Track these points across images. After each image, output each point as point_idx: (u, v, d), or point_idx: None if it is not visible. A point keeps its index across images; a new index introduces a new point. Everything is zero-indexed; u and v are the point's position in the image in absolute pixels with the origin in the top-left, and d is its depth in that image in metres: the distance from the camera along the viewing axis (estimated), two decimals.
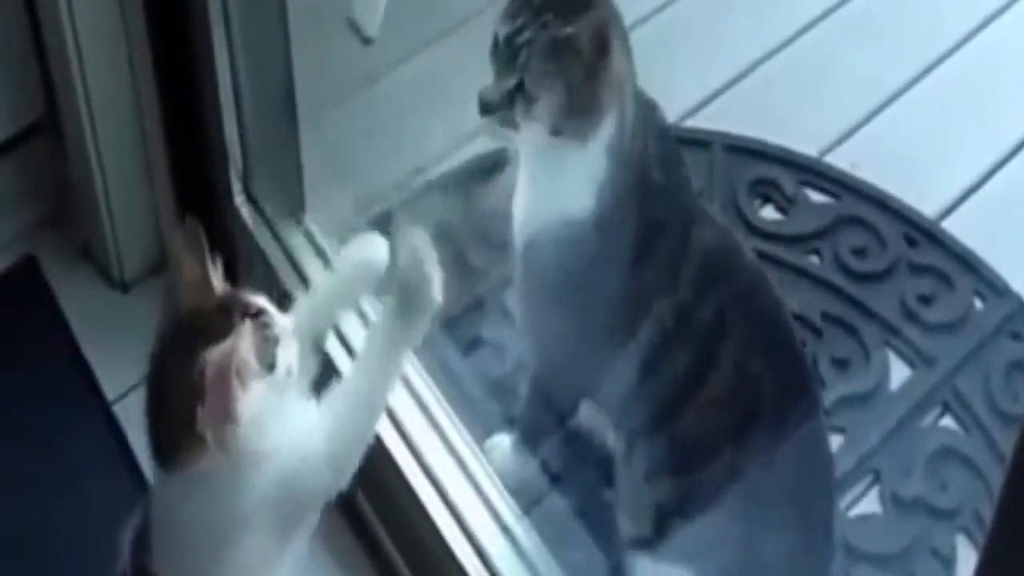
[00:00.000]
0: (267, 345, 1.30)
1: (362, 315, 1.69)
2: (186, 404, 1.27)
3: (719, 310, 1.57)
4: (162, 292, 1.98)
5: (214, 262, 1.35)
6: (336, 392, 1.38)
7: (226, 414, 1.27)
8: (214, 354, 1.26)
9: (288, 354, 1.32)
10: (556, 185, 1.53)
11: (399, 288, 1.37)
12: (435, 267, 1.35)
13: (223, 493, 1.34)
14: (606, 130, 1.49)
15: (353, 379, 1.39)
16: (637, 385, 1.59)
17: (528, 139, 1.49)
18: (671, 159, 1.57)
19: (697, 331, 1.56)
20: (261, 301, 1.33)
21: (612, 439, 1.69)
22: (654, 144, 1.54)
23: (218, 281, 1.35)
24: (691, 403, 1.57)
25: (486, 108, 1.47)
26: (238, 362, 1.26)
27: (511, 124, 1.46)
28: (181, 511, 1.36)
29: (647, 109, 1.56)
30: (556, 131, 1.47)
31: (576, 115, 1.47)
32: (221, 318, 1.30)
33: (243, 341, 1.27)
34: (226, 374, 1.26)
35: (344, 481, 1.38)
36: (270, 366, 1.30)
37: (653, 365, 1.58)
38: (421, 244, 1.35)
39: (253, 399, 1.28)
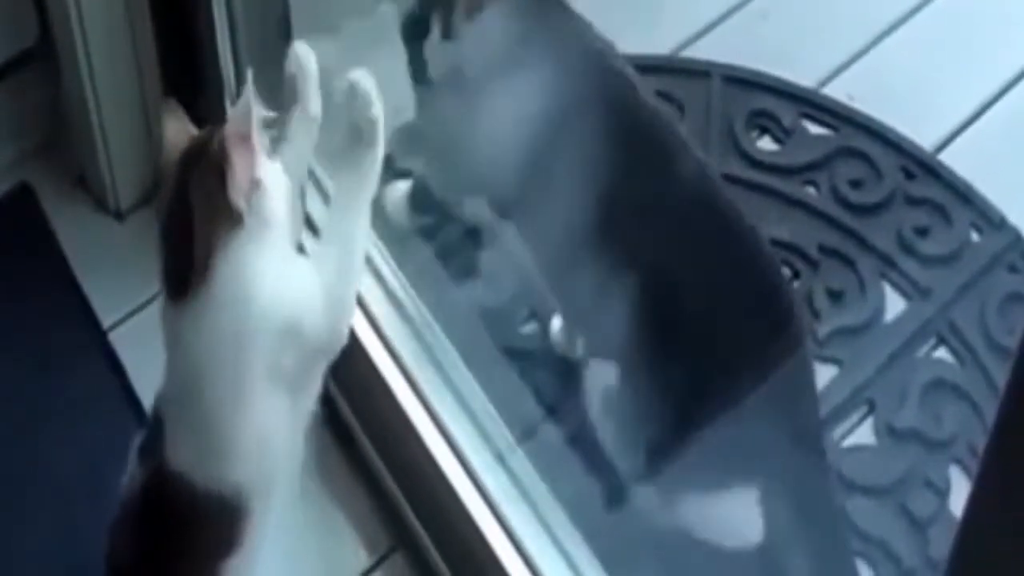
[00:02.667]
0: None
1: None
2: (208, 190, 1.34)
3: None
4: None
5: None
6: (319, 250, 1.44)
7: (252, 179, 1.34)
8: (230, 123, 1.33)
9: (278, 196, 1.38)
10: None
11: (348, 128, 1.43)
12: (372, 94, 1.42)
13: (233, 319, 1.37)
14: None
15: (330, 234, 1.45)
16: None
17: None
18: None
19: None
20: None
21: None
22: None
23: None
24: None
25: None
26: (253, 124, 1.33)
27: None
28: (194, 346, 1.39)
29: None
30: None
31: None
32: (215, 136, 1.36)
33: (249, 104, 1.33)
34: (246, 135, 1.33)
35: (343, 332, 1.43)
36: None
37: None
38: (361, 79, 1.42)
39: (269, 168, 1.36)
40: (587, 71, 1.63)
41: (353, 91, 1.42)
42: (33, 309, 1.92)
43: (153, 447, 1.44)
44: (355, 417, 1.77)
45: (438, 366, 1.66)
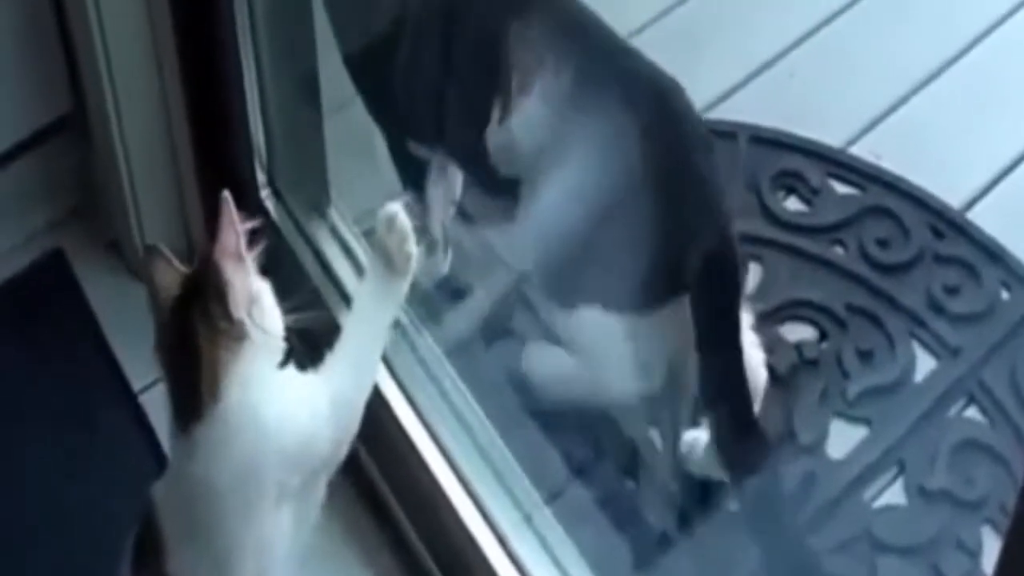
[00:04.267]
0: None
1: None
2: (208, 313, 1.36)
3: None
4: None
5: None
6: (332, 360, 1.45)
7: (250, 293, 1.37)
8: (220, 243, 1.37)
9: (271, 309, 1.41)
10: None
11: (378, 251, 1.46)
12: (411, 234, 1.45)
13: (245, 440, 1.38)
14: None
15: (344, 348, 1.46)
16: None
17: None
18: None
19: None
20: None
21: None
22: None
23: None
24: None
25: None
26: (240, 241, 1.37)
27: None
28: (198, 470, 1.40)
29: None
30: None
31: None
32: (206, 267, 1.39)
33: (235, 223, 1.38)
34: (237, 253, 1.37)
35: (346, 446, 1.44)
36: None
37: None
38: (396, 210, 1.45)
39: (260, 282, 1.40)
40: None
41: (390, 224, 1.45)
42: (65, 372, 1.94)
43: (148, 551, 1.44)
44: (382, 478, 1.77)
45: (465, 426, 1.66)
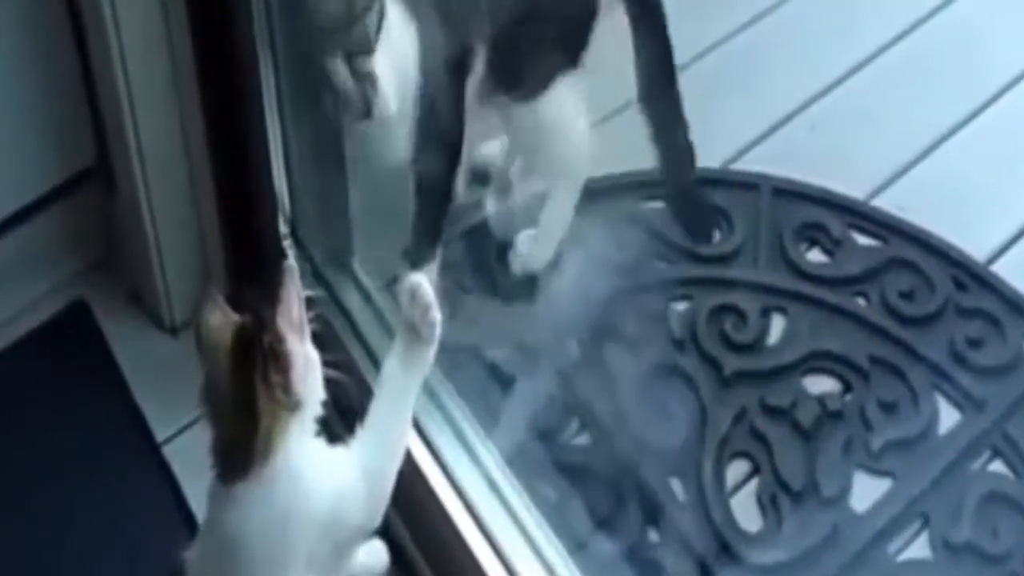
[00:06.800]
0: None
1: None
2: (268, 379, 1.40)
3: None
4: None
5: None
6: (362, 434, 1.48)
7: (306, 366, 1.42)
8: (282, 313, 1.41)
9: (315, 383, 1.45)
10: None
11: (403, 326, 1.49)
12: (434, 303, 1.47)
13: (276, 508, 1.42)
14: None
15: (375, 419, 1.49)
16: None
17: None
18: None
19: None
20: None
21: None
22: None
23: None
24: None
25: None
26: (302, 311, 1.43)
27: None
28: (233, 527, 1.43)
29: None
30: None
31: None
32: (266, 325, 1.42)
33: (298, 293, 1.43)
34: (300, 321, 1.43)
35: (378, 517, 1.48)
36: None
37: None
38: (419, 281, 1.47)
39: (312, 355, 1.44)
40: None
41: (413, 295, 1.48)
42: (88, 423, 1.94)
43: None
44: (410, 537, 1.77)
45: (489, 481, 1.66)
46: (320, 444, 1.46)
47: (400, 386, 1.50)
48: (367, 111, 1.69)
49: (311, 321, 1.46)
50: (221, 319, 1.45)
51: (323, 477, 1.44)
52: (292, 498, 1.42)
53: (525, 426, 1.89)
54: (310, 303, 1.47)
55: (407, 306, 1.48)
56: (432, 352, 1.50)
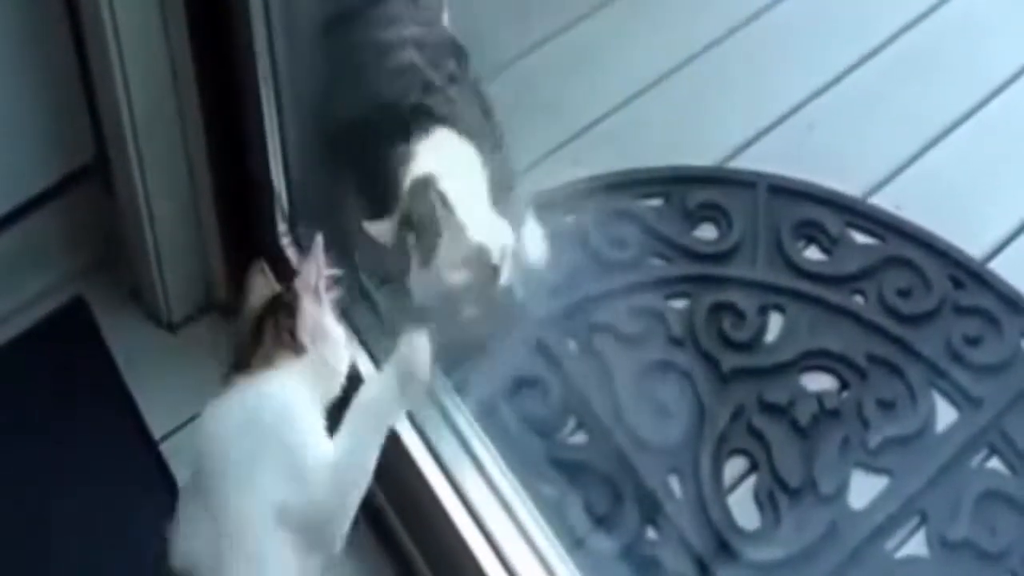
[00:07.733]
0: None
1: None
2: (278, 323, 1.52)
3: None
4: (210, 332, 2.00)
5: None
6: (338, 437, 1.49)
7: (319, 325, 1.52)
8: (302, 275, 1.53)
9: (338, 353, 1.54)
10: None
11: (397, 366, 1.52)
12: (428, 361, 1.52)
13: (252, 411, 1.49)
14: None
15: (348, 433, 1.49)
16: None
17: None
18: None
19: None
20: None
21: None
22: None
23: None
24: None
25: None
26: (320, 280, 1.54)
27: None
28: (209, 426, 1.49)
29: None
30: None
31: None
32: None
33: (319, 262, 1.54)
34: (317, 288, 1.53)
35: (345, 516, 1.46)
36: None
37: None
38: (423, 342, 1.52)
39: (336, 326, 1.54)
40: None
41: (411, 347, 1.51)
42: (86, 420, 1.94)
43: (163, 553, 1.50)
44: (408, 535, 1.77)
45: (486, 477, 1.66)
46: (315, 409, 1.50)
47: (376, 418, 1.50)
48: None
49: (333, 298, 1.56)
50: (265, 290, 1.56)
51: (297, 417, 1.48)
52: (263, 411, 1.48)
53: (498, 382, 1.91)
54: (335, 283, 1.57)
55: (405, 355, 1.51)
56: (413, 402, 1.57)
